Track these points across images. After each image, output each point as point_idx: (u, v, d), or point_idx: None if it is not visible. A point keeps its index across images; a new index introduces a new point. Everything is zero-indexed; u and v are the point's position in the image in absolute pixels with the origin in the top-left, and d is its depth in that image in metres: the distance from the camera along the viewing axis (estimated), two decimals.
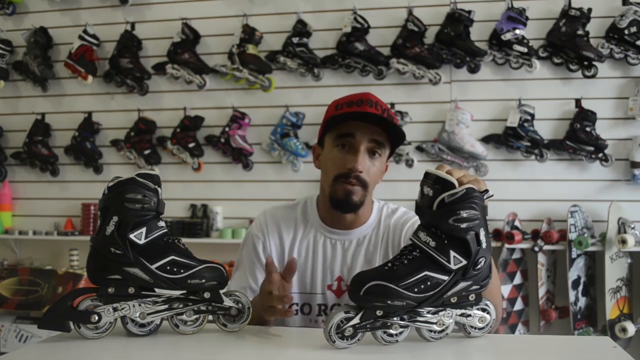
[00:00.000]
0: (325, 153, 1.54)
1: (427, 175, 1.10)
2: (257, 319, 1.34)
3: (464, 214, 1.05)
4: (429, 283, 1.07)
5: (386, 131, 1.49)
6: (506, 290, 3.14)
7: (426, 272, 1.07)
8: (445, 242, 1.07)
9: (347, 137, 1.48)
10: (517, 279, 3.20)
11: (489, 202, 1.14)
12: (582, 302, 3.08)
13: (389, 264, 1.09)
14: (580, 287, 3.08)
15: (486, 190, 1.11)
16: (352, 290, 1.07)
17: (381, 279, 1.06)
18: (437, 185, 1.07)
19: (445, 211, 1.06)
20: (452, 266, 1.07)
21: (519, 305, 3.18)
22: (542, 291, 3.11)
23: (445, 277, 1.07)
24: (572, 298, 3.03)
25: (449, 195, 1.06)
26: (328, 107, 1.56)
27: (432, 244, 1.08)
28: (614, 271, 3.02)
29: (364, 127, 1.47)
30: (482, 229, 1.08)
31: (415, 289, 1.06)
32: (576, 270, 3.06)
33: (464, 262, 1.07)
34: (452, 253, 1.07)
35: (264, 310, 1.34)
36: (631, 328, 2.89)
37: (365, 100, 1.47)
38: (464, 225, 1.06)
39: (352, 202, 1.49)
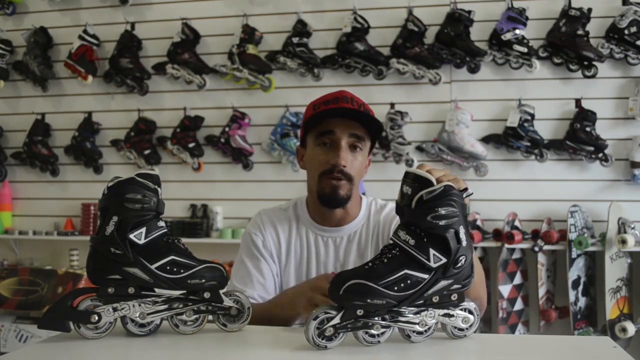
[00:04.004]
0: (309, 153, 1.60)
1: (406, 174, 1.11)
2: (279, 318, 1.41)
3: (442, 211, 1.05)
4: (409, 281, 1.06)
5: (364, 125, 1.54)
6: (506, 290, 3.13)
7: (406, 271, 1.06)
8: (425, 240, 1.07)
9: (327, 134, 1.54)
10: (517, 279, 3.20)
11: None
12: (582, 302, 3.08)
13: (369, 263, 1.09)
14: (580, 287, 3.08)
15: (465, 189, 1.11)
16: (331, 289, 1.07)
17: (360, 277, 1.05)
18: (416, 184, 1.07)
19: (424, 208, 1.06)
20: (432, 264, 1.06)
21: (519, 305, 3.18)
22: (542, 291, 3.11)
23: (426, 276, 1.07)
24: (572, 298, 3.03)
25: (427, 192, 1.06)
26: (306, 109, 1.62)
27: (412, 242, 1.07)
28: (614, 271, 3.02)
29: (343, 123, 1.52)
30: (461, 226, 1.08)
31: (395, 288, 1.05)
32: (576, 270, 3.06)
33: (444, 260, 1.07)
34: (432, 251, 1.06)
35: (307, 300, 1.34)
36: (631, 328, 2.89)
37: (341, 97, 1.53)
38: (442, 223, 1.05)
39: (339, 196, 1.54)
